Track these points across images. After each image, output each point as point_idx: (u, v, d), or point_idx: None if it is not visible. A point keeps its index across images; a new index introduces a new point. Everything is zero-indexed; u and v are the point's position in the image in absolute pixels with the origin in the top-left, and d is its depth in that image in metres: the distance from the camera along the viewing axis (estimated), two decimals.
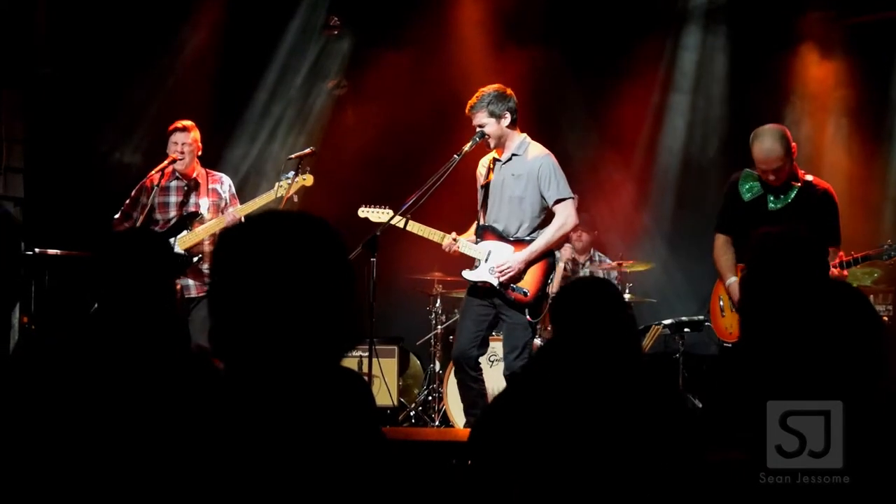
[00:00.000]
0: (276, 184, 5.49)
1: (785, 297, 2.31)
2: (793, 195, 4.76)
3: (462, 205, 5.67)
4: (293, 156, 5.82)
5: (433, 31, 7.75)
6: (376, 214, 5.25)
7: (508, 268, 4.93)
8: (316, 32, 7.92)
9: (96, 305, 2.31)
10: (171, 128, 5.67)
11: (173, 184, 5.68)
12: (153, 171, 5.62)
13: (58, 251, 6.02)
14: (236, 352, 1.58)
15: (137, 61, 7.13)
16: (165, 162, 5.61)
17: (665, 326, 6.89)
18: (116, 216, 5.69)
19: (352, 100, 8.09)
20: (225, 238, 1.67)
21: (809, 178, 4.83)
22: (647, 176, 8.09)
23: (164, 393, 1.92)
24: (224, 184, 5.81)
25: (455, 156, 5.05)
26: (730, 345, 5.00)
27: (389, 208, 5.24)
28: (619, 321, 2.43)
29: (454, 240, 5.08)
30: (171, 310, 2.30)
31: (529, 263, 4.98)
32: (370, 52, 7.91)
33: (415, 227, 5.12)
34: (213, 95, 7.32)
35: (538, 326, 5.53)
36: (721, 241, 4.96)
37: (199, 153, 5.74)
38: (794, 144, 4.73)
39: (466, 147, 5.06)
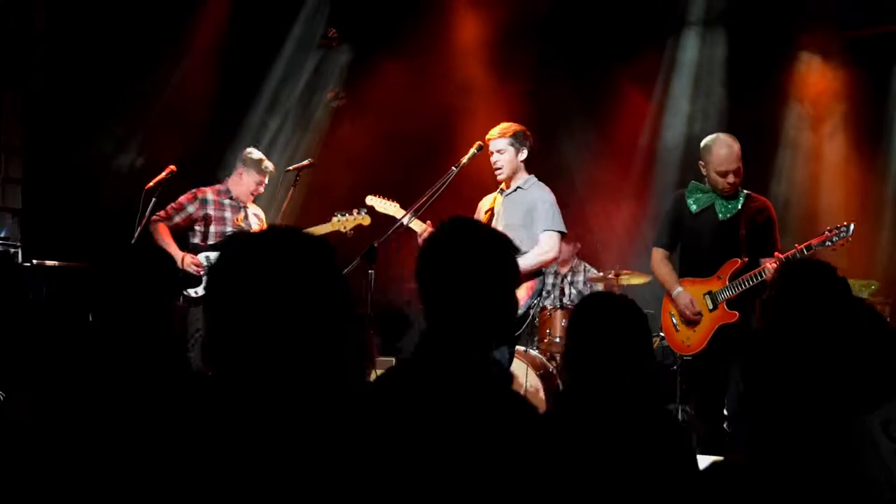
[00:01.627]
0: (334, 218, 5.58)
1: (818, 320, 2.31)
2: (740, 204, 4.91)
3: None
4: (291, 167, 5.84)
5: (431, 42, 7.77)
6: (383, 205, 5.27)
7: None
8: (314, 44, 7.93)
9: (92, 317, 2.30)
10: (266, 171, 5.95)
11: (227, 202, 5.91)
12: (151, 183, 5.61)
13: (55, 262, 6.01)
14: (229, 363, 1.58)
15: (136, 71, 7.12)
16: (164, 173, 5.62)
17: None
18: (159, 213, 5.80)
19: (350, 111, 8.11)
20: (223, 254, 1.68)
21: (747, 190, 4.99)
22: (645, 186, 8.09)
23: (155, 408, 1.91)
24: (261, 212, 6.13)
25: (453, 167, 5.07)
26: (690, 357, 5.06)
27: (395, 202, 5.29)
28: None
29: None
30: (166, 326, 2.29)
31: None
32: (368, 64, 7.93)
33: (418, 226, 5.15)
34: (211, 106, 7.32)
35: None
36: (659, 255, 5.15)
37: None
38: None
39: (465, 159, 5.08)
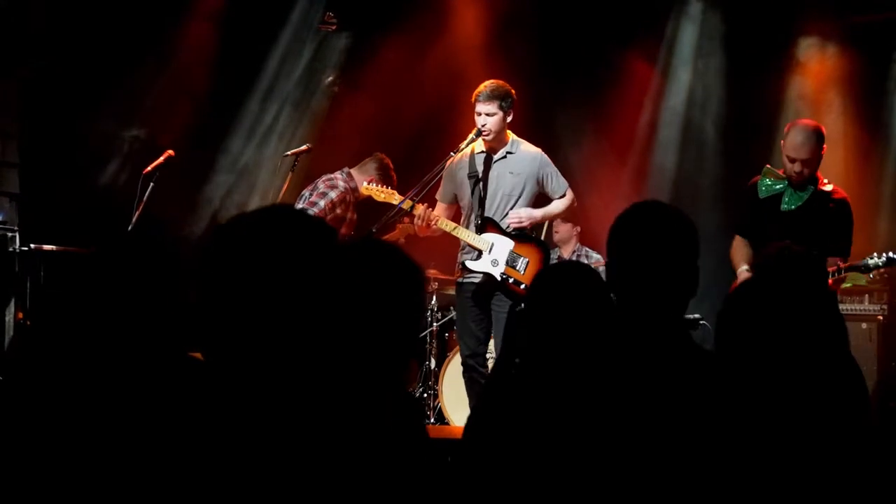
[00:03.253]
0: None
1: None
2: (806, 197, 4.78)
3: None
4: (289, 153, 5.83)
5: (430, 27, 7.75)
6: (380, 193, 5.23)
7: (522, 216, 5.06)
8: (312, 28, 7.91)
9: (91, 302, 2.29)
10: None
11: None
12: (149, 168, 5.60)
13: (53, 247, 6.01)
14: (223, 347, 1.56)
15: (133, 55, 7.10)
16: (162, 157, 5.62)
17: None
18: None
19: (348, 96, 8.08)
20: (219, 234, 1.64)
21: (829, 186, 4.83)
22: (643, 174, 8.09)
23: (153, 396, 1.91)
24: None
25: (452, 153, 5.06)
26: None
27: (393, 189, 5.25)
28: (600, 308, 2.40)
29: (435, 220, 5.07)
30: (168, 314, 2.27)
31: (537, 221, 5.23)
32: (366, 49, 7.90)
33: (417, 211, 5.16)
34: (209, 90, 7.31)
35: None
36: (737, 241, 5.01)
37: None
38: (824, 147, 4.77)
39: (463, 144, 5.08)
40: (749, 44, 7.62)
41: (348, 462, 1.53)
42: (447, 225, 5.09)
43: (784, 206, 4.80)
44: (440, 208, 5.26)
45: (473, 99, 5.07)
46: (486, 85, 5.07)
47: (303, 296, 1.58)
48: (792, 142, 4.72)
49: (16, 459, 1.96)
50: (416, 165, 5.58)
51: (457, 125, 6.39)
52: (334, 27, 7.94)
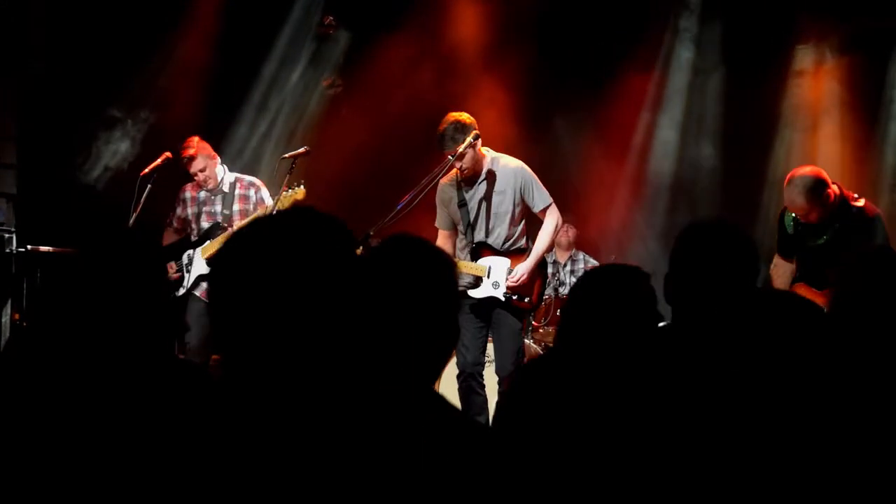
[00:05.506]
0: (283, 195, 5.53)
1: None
2: (826, 236, 4.74)
3: None
4: (287, 155, 5.82)
5: (428, 30, 7.75)
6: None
7: (521, 278, 5.11)
8: (311, 31, 7.91)
9: (81, 304, 2.28)
10: (182, 164, 5.74)
11: (202, 195, 5.83)
12: (147, 170, 5.60)
13: (50, 248, 6.00)
14: (234, 353, 1.52)
15: (131, 57, 7.10)
16: (160, 159, 5.61)
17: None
18: (167, 227, 5.94)
19: (346, 99, 8.08)
20: (235, 241, 1.59)
21: (861, 202, 4.76)
22: (640, 178, 8.09)
23: (149, 397, 1.90)
24: (251, 189, 5.89)
25: (449, 157, 5.05)
26: None
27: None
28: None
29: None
30: (155, 315, 2.25)
31: (533, 269, 5.18)
32: (365, 51, 7.90)
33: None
34: (207, 93, 7.31)
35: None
36: (774, 260, 5.05)
37: (217, 161, 5.82)
38: (830, 189, 4.65)
39: (461, 148, 5.06)
40: (747, 51, 7.63)
41: (385, 469, 1.49)
42: (464, 266, 5.14)
43: (810, 243, 4.80)
44: (442, 236, 5.35)
45: (437, 146, 5.06)
46: (444, 130, 5.03)
47: (331, 297, 1.53)
48: (788, 197, 4.70)
49: (10, 460, 1.95)
50: (415, 168, 5.57)
51: None
52: (332, 31, 7.94)
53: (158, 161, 5.61)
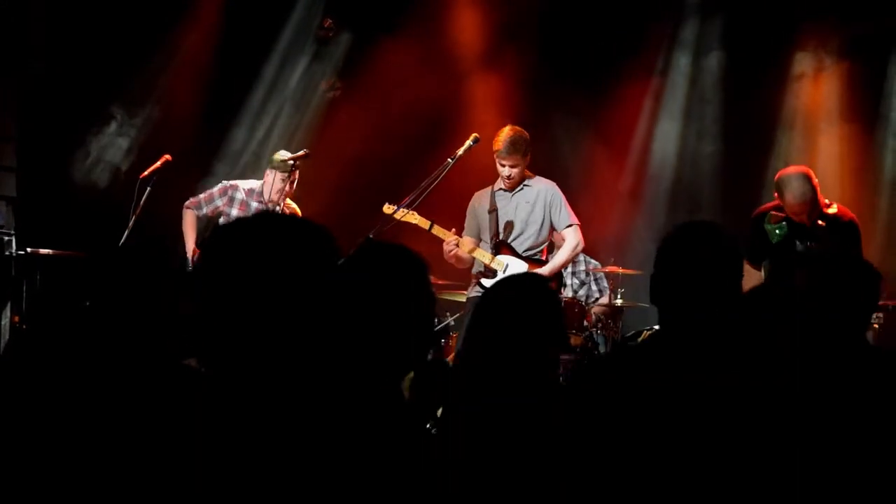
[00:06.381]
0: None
1: None
2: (817, 235, 4.84)
3: (454, 209, 5.68)
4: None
5: (429, 33, 7.75)
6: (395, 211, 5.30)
7: None
8: (311, 34, 7.91)
9: (88, 304, 2.29)
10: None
11: (254, 203, 5.92)
12: (146, 172, 5.59)
13: (49, 251, 6.00)
14: (223, 354, 1.54)
15: (132, 58, 7.09)
16: (159, 162, 5.62)
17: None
18: (191, 200, 6.02)
19: (346, 101, 8.08)
20: (216, 238, 1.62)
21: (833, 209, 4.90)
22: (640, 179, 8.09)
23: (148, 402, 1.90)
24: (296, 207, 5.99)
25: (449, 159, 5.08)
26: None
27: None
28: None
29: (457, 244, 5.34)
30: (159, 319, 2.26)
31: (543, 262, 5.49)
32: (365, 53, 7.90)
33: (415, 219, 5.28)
34: (207, 95, 7.30)
35: None
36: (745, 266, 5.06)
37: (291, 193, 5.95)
38: (816, 182, 4.83)
39: (461, 150, 5.10)
40: (747, 54, 7.63)
41: (356, 469, 1.51)
42: (467, 247, 5.37)
43: (799, 247, 4.90)
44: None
45: (494, 150, 5.28)
46: (506, 138, 5.27)
47: (307, 301, 1.56)
48: (792, 194, 4.77)
49: (9, 462, 1.95)
50: (415, 170, 5.58)
51: (456, 129, 6.41)
52: (331, 34, 7.94)
53: (158, 164, 5.60)
